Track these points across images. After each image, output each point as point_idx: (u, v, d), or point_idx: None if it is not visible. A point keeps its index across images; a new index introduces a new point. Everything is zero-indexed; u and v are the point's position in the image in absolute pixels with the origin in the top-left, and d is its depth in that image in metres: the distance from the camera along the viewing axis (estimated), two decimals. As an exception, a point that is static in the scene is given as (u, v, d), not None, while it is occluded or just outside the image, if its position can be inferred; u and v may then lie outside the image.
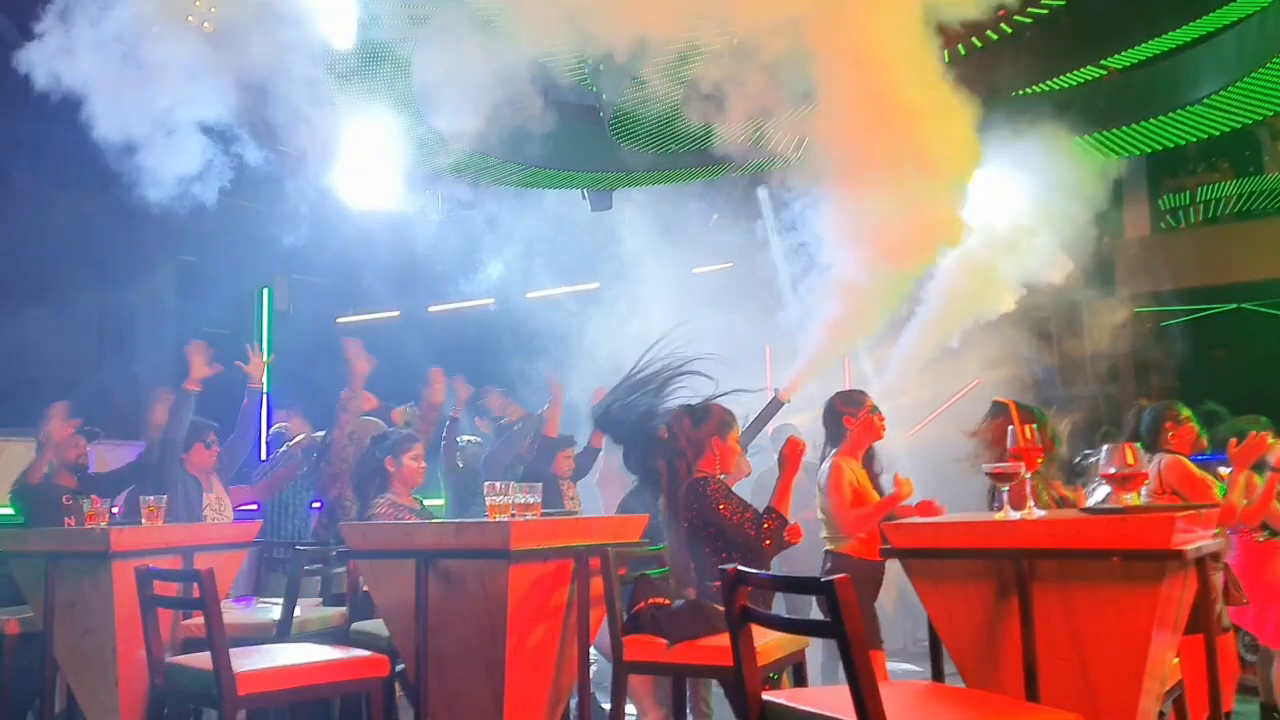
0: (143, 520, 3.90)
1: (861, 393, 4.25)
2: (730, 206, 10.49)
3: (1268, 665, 4.88)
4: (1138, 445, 2.59)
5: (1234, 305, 9.64)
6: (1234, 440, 4.41)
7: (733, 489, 3.81)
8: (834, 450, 4.23)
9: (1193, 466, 4.35)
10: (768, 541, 3.62)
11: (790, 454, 3.78)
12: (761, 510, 3.69)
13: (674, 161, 8.82)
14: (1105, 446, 2.59)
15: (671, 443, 3.84)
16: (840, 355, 4.70)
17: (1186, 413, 4.53)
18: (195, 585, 2.88)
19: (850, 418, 4.17)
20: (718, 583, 3.55)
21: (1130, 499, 2.53)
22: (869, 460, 4.28)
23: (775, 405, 4.44)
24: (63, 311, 8.50)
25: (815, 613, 5.59)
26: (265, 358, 5.72)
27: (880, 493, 4.21)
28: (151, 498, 3.97)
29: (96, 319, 8.83)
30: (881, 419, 4.21)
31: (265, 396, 5.85)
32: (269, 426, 7.53)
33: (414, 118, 7.69)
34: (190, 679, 3.02)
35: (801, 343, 4.79)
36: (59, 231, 8.40)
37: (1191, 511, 2.48)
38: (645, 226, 9.90)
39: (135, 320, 8.89)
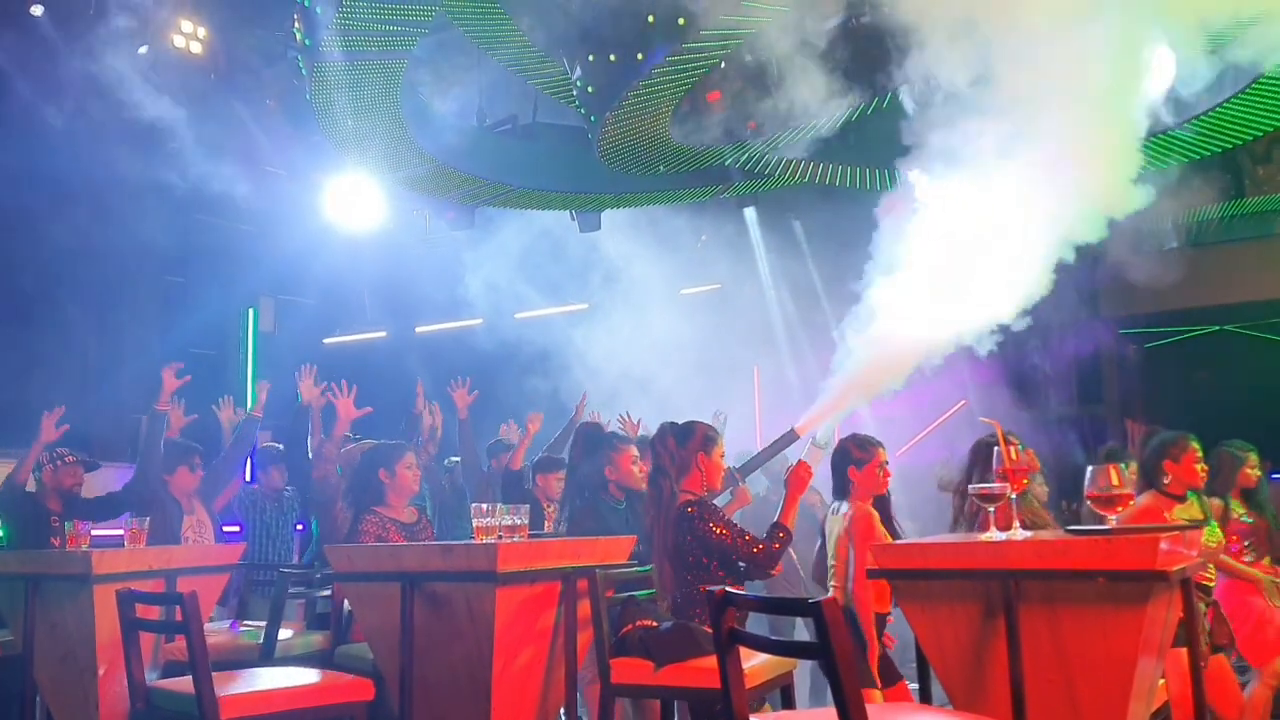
0: (125, 543, 3.87)
1: (876, 442, 4.14)
2: (719, 227, 10.54)
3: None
4: (1122, 466, 2.59)
5: (1216, 327, 9.73)
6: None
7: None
8: (847, 496, 4.14)
9: (1150, 516, 4.22)
10: (775, 546, 3.65)
11: (798, 477, 3.83)
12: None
13: (662, 182, 8.86)
14: (1090, 467, 2.60)
15: (655, 461, 3.85)
16: (871, 399, 4.53)
17: (1192, 449, 4.37)
18: (177, 608, 2.85)
19: (855, 468, 4.08)
20: (697, 608, 3.59)
21: (1112, 520, 2.54)
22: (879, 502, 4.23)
23: (789, 438, 4.41)
24: (48, 333, 8.47)
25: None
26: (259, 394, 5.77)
27: (894, 534, 4.15)
28: (134, 520, 3.94)
29: (80, 341, 8.79)
30: (887, 474, 4.12)
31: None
32: (253, 448, 7.49)
33: (404, 136, 7.70)
34: (172, 703, 2.99)
35: (833, 379, 4.61)
36: (45, 254, 8.36)
37: (1176, 532, 2.49)
38: (634, 247, 9.93)
39: (121, 342, 8.85)
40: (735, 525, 3.72)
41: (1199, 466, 4.39)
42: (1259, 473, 5.17)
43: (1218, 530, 4.62)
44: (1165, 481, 4.34)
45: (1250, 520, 4.98)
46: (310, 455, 5.12)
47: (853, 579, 3.98)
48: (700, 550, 3.64)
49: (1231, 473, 4.97)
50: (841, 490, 4.16)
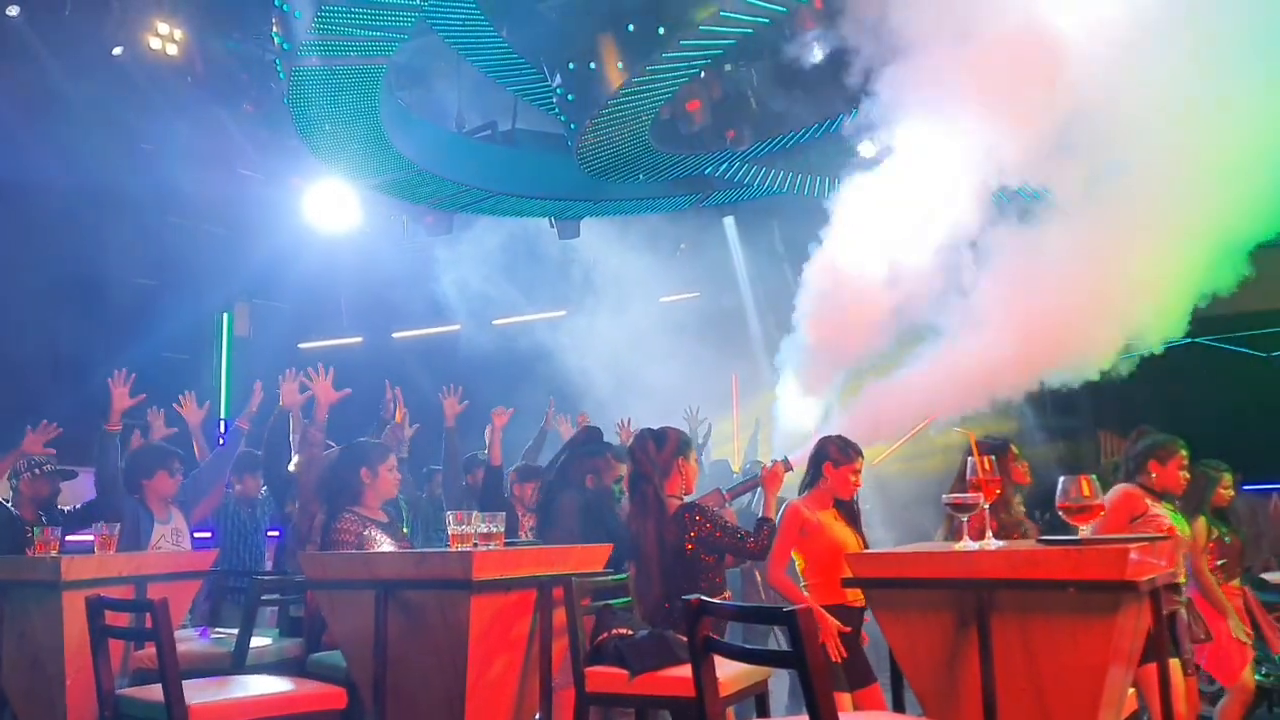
0: (95, 549, 3.82)
1: (857, 450, 4.22)
2: (698, 235, 10.56)
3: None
4: (1094, 477, 2.62)
5: (1190, 340, 9.82)
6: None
7: None
8: (800, 495, 4.22)
9: (1131, 500, 4.30)
10: (762, 549, 3.93)
11: (774, 475, 4.19)
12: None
13: (641, 189, 8.88)
14: (1062, 477, 2.62)
15: (638, 467, 3.91)
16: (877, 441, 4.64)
17: (1180, 455, 4.42)
18: (147, 615, 2.82)
19: (832, 465, 4.15)
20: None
21: (1085, 530, 2.57)
22: (846, 507, 4.27)
23: (783, 467, 4.48)
24: (17, 337, 8.36)
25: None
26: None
27: (863, 538, 4.22)
28: (105, 526, 3.89)
29: (51, 345, 8.69)
30: (859, 482, 4.21)
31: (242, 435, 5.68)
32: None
33: (382, 141, 7.68)
34: (141, 711, 2.95)
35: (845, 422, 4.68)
36: (15, 256, 8.27)
37: (1145, 543, 2.52)
38: (613, 254, 9.94)
39: (92, 346, 8.76)
40: (729, 524, 3.97)
41: (1182, 473, 4.44)
42: (1232, 492, 5.20)
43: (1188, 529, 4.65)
44: (1147, 479, 4.39)
45: (1228, 539, 5.01)
46: (289, 459, 5.05)
47: (768, 566, 4.10)
48: (700, 549, 3.82)
49: (1206, 491, 4.98)
50: (810, 483, 4.23)
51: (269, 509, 5.82)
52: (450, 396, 5.92)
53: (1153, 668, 2.97)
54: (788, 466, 4.42)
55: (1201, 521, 4.87)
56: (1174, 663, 3.99)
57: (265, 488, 5.75)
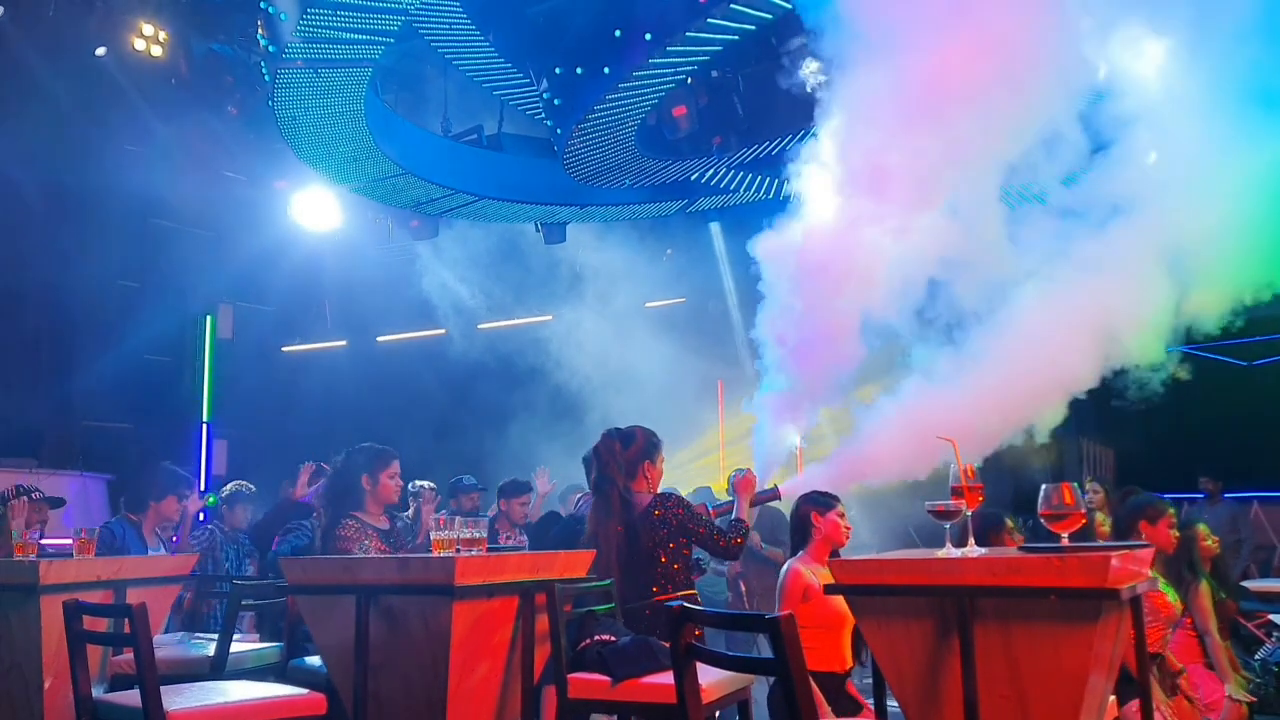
0: (74, 553, 3.79)
1: (834, 496, 4.12)
2: (685, 241, 10.57)
3: None
4: (1075, 485, 2.62)
5: (1171, 349, 9.87)
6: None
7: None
8: (796, 555, 4.08)
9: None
10: (737, 540, 3.89)
11: (746, 482, 4.13)
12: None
13: (627, 195, 8.88)
14: (1044, 485, 2.63)
15: (603, 469, 3.84)
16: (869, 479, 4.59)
17: (1169, 514, 4.38)
18: (126, 620, 2.80)
19: (818, 514, 4.03)
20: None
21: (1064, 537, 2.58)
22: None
23: (772, 494, 4.43)
24: (-1, 337, 8.29)
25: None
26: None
27: None
28: (83, 531, 3.86)
29: (33, 346, 8.61)
30: (849, 527, 4.11)
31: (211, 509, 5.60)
32: (209, 458, 7.38)
33: (367, 144, 7.66)
34: (119, 717, 2.93)
35: (837, 457, 4.57)
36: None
37: (1127, 550, 2.53)
38: (599, 259, 9.95)
39: (74, 347, 8.69)
40: (702, 516, 3.91)
41: (1172, 532, 4.40)
42: (1214, 540, 5.17)
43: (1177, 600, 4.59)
44: (1138, 540, 4.35)
45: (1225, 600, 4.95)
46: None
47: None
48: (672, 534, 3.75)
49: (1192, 552, 4.87)
50: (801, 542, 4.07)
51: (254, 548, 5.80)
52: (429, 505, 5.69)
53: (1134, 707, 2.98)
54: (776, 495, 4.38)
55: (1205, 586, 4.76)
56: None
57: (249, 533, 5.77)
